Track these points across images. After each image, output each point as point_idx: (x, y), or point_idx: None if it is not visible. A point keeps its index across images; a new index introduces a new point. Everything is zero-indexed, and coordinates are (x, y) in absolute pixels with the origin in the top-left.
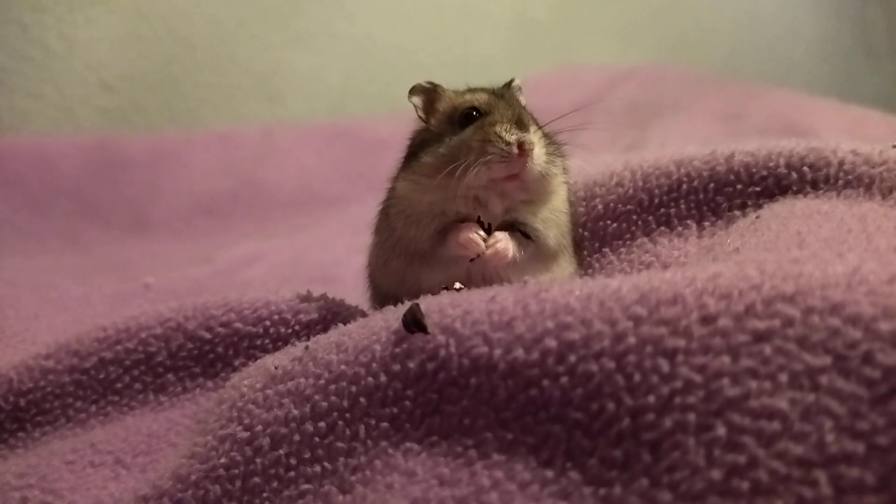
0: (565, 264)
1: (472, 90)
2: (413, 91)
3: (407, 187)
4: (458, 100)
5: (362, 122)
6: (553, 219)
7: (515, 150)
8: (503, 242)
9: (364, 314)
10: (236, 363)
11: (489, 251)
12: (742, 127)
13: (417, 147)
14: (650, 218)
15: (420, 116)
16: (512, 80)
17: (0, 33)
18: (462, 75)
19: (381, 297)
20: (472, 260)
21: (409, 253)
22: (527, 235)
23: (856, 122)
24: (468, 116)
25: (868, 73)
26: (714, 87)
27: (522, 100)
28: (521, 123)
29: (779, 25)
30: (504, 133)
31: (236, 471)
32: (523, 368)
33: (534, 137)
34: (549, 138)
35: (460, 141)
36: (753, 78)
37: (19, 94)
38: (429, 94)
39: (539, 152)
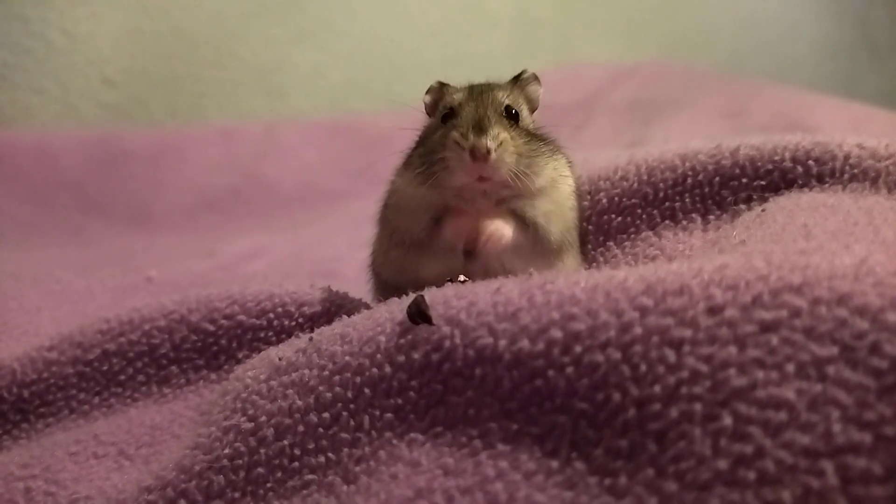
0: (571, 261)
1: (462, 89)
2: (427, 91)
3: (400, 181)
4: (447, 99)
5: (364, 119)
6: (556, 212)
7: (468, 158)
8: (496, 224)
9: (368, 307)
10: (240, 355)
11: (483, 237)
12: (744, 124)
13: (419, 142)
14: (655, 212)
15: (427, 113)
16: (522, 72)
17: (2, 28)
18: (464, 72)
19: (383, 287)
20: (467, 254)
21: (406, 243)
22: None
23: (858, 119)
24: (447, 117)
25: (870, 70)
26: (716, 84)
27: (539, 90)
28: (479, 128)
29: (781, 23)
30: (459, 139)
31: (240, 461)
32: (528, 359)
33: (492, 142)
34: (536, 136)
35: (433, 143)
36: (756, 75)
37: (21, 88)
38: (437, 93)
39: (503, 155)
